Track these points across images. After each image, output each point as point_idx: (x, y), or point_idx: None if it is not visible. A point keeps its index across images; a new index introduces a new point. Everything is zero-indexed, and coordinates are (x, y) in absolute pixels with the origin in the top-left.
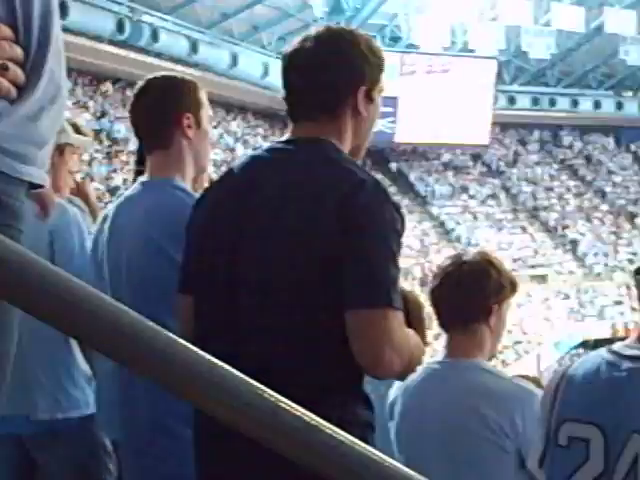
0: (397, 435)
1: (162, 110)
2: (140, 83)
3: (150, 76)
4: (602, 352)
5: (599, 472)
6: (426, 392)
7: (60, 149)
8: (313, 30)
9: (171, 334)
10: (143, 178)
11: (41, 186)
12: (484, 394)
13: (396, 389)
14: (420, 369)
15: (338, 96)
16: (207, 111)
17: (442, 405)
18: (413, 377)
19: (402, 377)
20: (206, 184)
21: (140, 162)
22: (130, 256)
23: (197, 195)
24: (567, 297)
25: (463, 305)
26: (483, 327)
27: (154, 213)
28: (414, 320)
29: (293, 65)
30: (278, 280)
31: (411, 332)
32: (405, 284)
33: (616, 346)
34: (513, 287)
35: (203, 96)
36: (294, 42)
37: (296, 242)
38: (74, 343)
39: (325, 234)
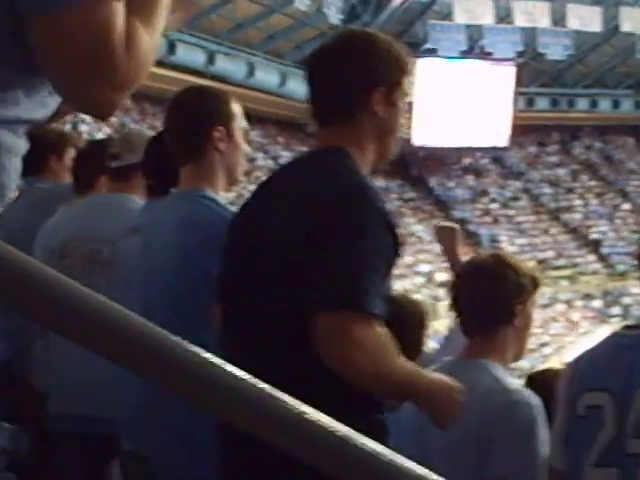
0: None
1: (193, 124)
2: (171, 96)
3: (181, 89)
4: (617, 329)
5: (613, 435)
6: None
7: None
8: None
9: (189, 344)
10: (174, 190)
11: None
12: (472, 391)
13: None
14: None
15: (352, 99)
16: (240, 123)
17: None
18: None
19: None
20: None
21: (148, 176)
22: (163, 268)
23: (229, 207)
24: (592, 298)
25: (484, 312)
26: (508, 329)
27: (187, 224)
28: (406, 325)
29: (311, 71)
30: (258, 281)
31: (387, 341)
32: (428, 289)
33: (630, 321)
34: (534, 284)
35: (235, 108)
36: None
37: (276, 242)
38: None
39: (302, 234)
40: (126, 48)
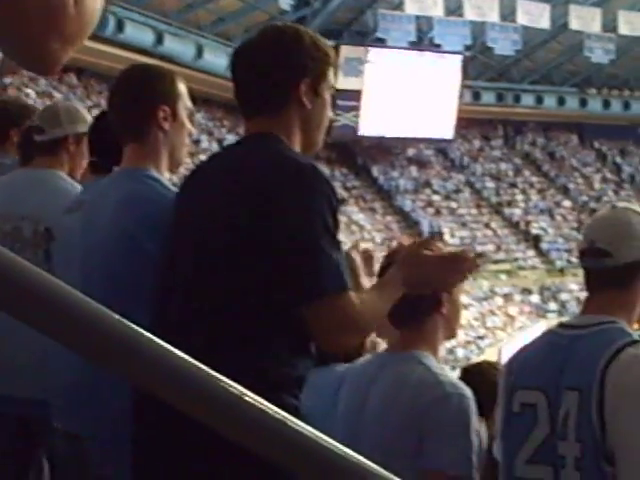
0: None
1: (137, 102)
2: (118, 74)
3: (127, 67)
4: (552, 326)
5: (546, 434)
6: (364, 379)
7: (78, 139)
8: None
9: (131, 324)
10: (117, 168)
11: None
12: (405, 382)
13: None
14: (360, 360)
15: (280, 90)
16: (185, 103)
17: (376, 394)
18: (354, 366)
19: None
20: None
21: (92, 153)
22: (102, 245)
23: (172, 187)
24: (530, 292)
25: (411, 303)
26: (436, 318)
27: (127, 202)
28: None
29: (238, 63)
30: (204, 266)
31: (364, 298)
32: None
33: (564, 319)
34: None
35: (181, 87)
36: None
37: (225, 225)
38: None
39: (254, 217)
40: (75, 4)
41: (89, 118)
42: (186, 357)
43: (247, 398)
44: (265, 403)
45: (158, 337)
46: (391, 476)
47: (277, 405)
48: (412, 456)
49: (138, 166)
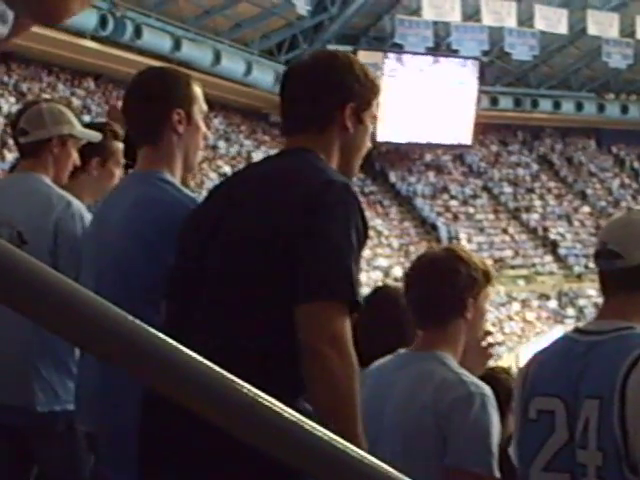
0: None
1: (152, 105)
2: (134, 77)
3: (143, 70)
4: (568, 332)
5: (564, 441)
6: (384, 381)
7: (63, 140)
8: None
9: (150, 328)
10: (131, 171)
11: None
12: (427, 381)
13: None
14: (380, 360)
15: (325, 110)
16: (200, 106)
17: (397, 393)
18: (374, 366)
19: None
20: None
21: (127, 156)
22: (114, 246)
23: (186, 191)
24: (548, 298)
25: (435, 305)
26: (459, 322)
27: (140, 204)
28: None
29: (288, 80)
30: (235, 274)
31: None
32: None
33: (580, 325)
34: (487, 277)
35: (196, 91)
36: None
37: (260, 234)
38: None
39: (288, 227)
40: None
41: (75, 120)
42: (199, 358)
43: (261, 400)
44: (279, 405)
45: (175, 339)
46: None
47: (297, 410)
48: (434, 454)
49: (152, 169)
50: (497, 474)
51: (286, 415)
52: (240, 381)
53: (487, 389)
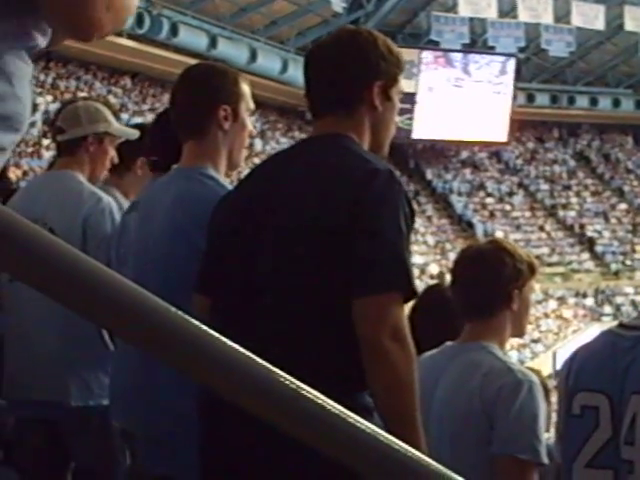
0: None
1: (198, 100)
2: (183, 71)
3: (192, 65)
4: (612, 327)
5: (608, 437)
6: (433, 372)
7: (100, 138)
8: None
9: (197, 322)
10: (175, 166)
11: None
12: (475, 370)
13: None
14: (428, 353)
15: (353, 90)
16: (247, 104)
17: (446, 382)
18: (423, 358)
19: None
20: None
21: (153, 152)
22: (157, 242)
23: (229, 187)
24: (585, 296)
25: (482, 296)
26: (505, 313)
27: (184, 201)
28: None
29: (312, 62)
30: (293, 271)
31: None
32: (421, 281)
33: (625, 320)
34: (532, 269)
35: (244, 88)
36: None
37: (310, 227)
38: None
39: (338, 218)
40: None
41: (112, 118)
42: (245, 352)
43: (304, 392)
44: (323, 398)
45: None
46: (454, 475)
47: (354, 405)
48: (482, 441)
49: (196, 164)
50: (545, 460)
51: (329, 408)
52: (283, 373)
53: (534, 377)
